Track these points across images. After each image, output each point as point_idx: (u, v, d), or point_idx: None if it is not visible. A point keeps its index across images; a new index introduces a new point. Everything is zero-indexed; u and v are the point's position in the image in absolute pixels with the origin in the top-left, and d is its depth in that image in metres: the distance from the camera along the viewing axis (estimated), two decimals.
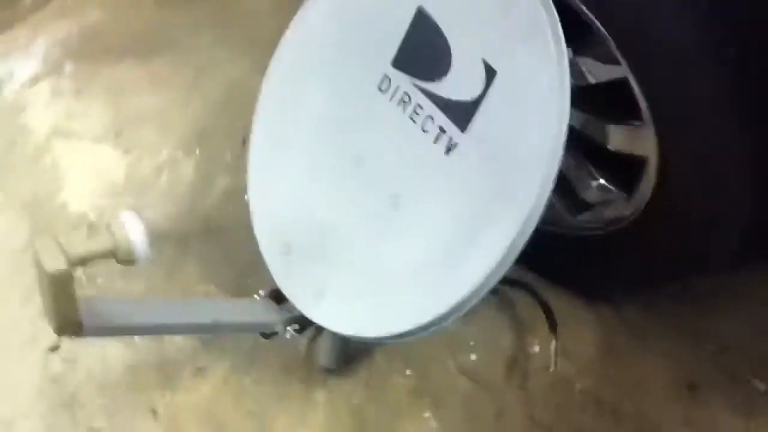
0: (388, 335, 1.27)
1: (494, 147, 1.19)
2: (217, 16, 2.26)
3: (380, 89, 1.34)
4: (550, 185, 1.12)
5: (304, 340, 1.58)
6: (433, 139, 1.26)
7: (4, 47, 2.21)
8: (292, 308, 1.44)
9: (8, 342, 1.75)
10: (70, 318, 1.17)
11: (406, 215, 1.31)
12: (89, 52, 2.18)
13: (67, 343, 1.68)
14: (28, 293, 1.75)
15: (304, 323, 1.44)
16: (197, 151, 1.98)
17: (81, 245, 1.12)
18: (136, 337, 1.64)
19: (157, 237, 1.85)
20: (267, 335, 1.49)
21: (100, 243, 1.14)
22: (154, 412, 1.65)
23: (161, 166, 1.98)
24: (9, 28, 2.23)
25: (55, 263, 1.10)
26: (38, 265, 1.10)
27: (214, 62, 2.14)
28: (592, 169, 1.45)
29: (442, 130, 1.25)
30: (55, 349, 1.69)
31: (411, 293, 1.28)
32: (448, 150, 1.24)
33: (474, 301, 1.20)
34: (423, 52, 1.29)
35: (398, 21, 1.31)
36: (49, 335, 1.63)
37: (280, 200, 1.49)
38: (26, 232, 1.91)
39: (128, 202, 1.93)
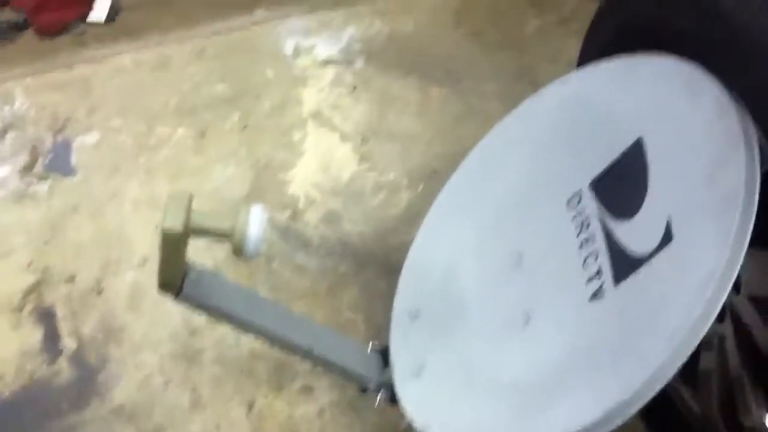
0: None
1: (635, 312, 1.02)
2: (516, 70, 2.18)
3: (568, 203, 1.22)
4: (664, 378, 0.94)
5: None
6: (586, 278, 1.12)
7: (317, 24, 2.32)
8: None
9: None
10: (171, 279, 1.18)
11: (528, 337, 1.17)
12: (384, 58, 2.22)
13: None
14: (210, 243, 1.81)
15: (394, 396, 1.35)
16: (420, 188, 1.95)
17: (205, 218, 1.12)
18: None
19: (342, 250, 1.87)
20: (363, 389, 1.41)
21: (220, 223, 1.13)
22: (250, 406, 1.66)
23: (382, 186, 1.97)
24: (330, 10, 2.34)
25: (173, 223, 1.10)
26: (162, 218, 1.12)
27: (486, 111, 2.08)
28: (762, 400, 1.20)
29: (598, 274, 1.10)
30: None
31: (495, 419, 1.15)
32: (593, 296, 1.09)
33: None
34: (622, 185, 1.14)
35: (615, 142, 1.17)
36: None
37: (434, 263, 1.41)
38: (245, 190, 2.00)
39: (337, 205, 1.95)
